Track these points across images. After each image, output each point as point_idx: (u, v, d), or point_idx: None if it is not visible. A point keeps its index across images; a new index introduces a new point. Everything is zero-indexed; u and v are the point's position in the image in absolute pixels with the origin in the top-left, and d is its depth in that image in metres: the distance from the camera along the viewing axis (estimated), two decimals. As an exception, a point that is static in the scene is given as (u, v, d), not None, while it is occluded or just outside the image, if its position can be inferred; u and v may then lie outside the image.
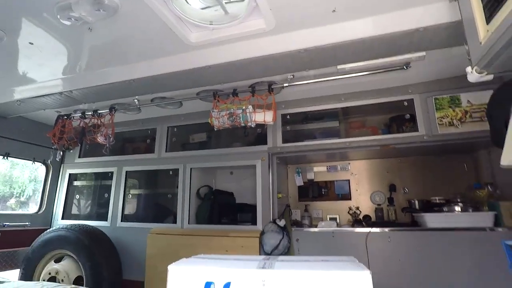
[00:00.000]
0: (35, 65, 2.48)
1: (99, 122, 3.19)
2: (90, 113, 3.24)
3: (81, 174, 3.94)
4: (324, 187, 3.56)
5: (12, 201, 3.80)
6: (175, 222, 3.25)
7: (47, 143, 3.39)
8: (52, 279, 3.07)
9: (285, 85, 2.67)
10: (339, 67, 2.39)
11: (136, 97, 3.03)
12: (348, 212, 3.33)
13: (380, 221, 3.12)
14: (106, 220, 3.51)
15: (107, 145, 3.09)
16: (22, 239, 3.40)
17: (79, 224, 3.29)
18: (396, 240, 2.53)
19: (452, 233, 2.40)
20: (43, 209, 3.78)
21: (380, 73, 2.42)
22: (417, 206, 2.96)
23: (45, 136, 3.31)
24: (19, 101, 3.01)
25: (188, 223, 3.20)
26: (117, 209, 3.52)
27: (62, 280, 3.01)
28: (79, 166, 3.91)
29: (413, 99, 2.75)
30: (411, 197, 3.12)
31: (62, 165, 3.98)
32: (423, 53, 2.18)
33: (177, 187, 3.33)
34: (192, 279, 0.52)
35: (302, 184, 3.55)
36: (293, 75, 2.57)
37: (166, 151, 3.54)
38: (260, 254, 2.71)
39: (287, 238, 2.65)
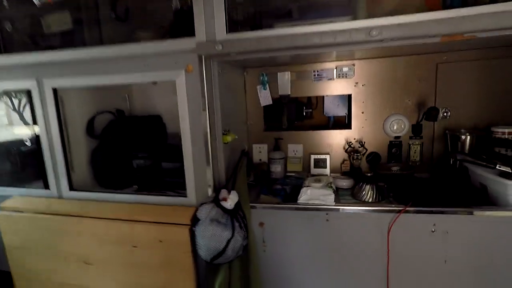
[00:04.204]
0: None
1: None
2: None
3: None
4: (307, 106, 2.14)
5: None
6: (47, 187, 1.84)
7: None
8: None
9: None
10: None
11: None
12: (345, 150, 2.04)
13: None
14: None
15: None
16: None
17: None
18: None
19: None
20: None
21: None
22: (466, 145, 1.70)
23: None
24: None
25: (71, 189, 1.80)
26: None
27: None
28: None
29: None
30: (456, 123, 1.82)
31: None
32: None
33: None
34: None
35: (271, 102, 2.08)
36: None
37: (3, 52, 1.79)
38: (193, 260, 1.48)
39: (241, 232, 1.38)
